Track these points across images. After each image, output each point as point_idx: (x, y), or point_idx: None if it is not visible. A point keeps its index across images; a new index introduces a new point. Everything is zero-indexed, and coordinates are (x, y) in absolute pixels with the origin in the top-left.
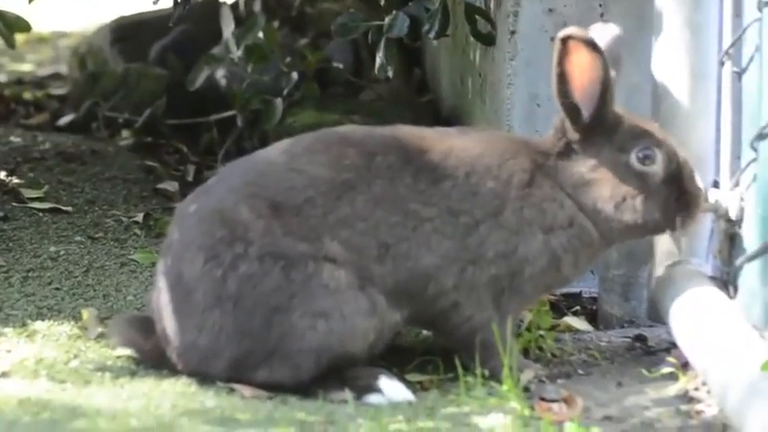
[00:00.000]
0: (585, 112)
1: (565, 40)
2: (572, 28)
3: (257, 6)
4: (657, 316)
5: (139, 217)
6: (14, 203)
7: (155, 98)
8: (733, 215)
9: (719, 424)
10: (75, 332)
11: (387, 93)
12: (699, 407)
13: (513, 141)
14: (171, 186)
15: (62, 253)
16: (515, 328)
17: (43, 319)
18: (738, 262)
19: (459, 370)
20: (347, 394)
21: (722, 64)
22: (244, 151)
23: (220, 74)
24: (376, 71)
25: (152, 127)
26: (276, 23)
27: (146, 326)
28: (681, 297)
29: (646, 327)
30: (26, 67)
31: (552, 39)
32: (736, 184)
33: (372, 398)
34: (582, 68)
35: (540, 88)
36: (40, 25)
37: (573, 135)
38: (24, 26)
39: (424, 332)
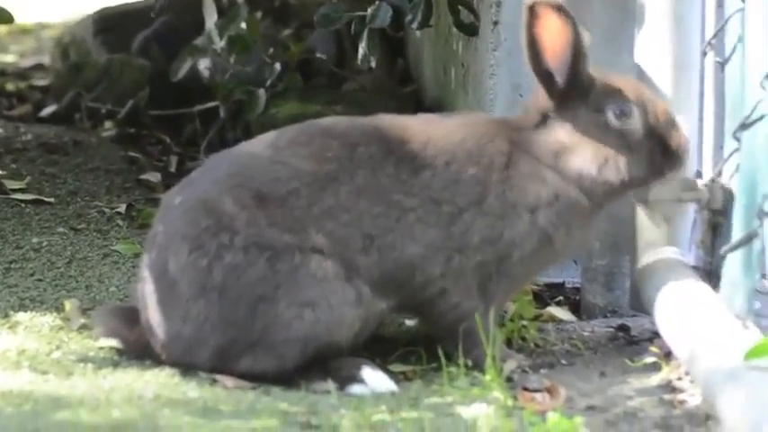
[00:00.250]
0: (559, 78)
1: (532, 7)
2: None
3: None
4: (640, 306)
5: (122, 208)
6: None
7: (137, 89)
8: (716, 205)
9: (702, 413)
10: (58, 323)
11: (370, 83)
12: (682, 396)
13: (491, 123)
14: (153, 177)
15: (44, 244)
16: (499, 319)
17: (25, 311)
18: (721, 252)
19: (443, 360)
20: (330, 385)
21: (705, 54)
22: (226, 142)
23: (203, 65)
24: (359, 62)
25: (135, 118)
26: (259, 14)
27: (130, 316)
28: (664, 287)
29: (629, 317)
30: (9, 58)
31: None
32: (719, 175)
33: (355, 388)
34: (552, 34)
35: (523, 78)
36: (23, 16)
37: (548, 103)
38: (7, 17)
39: (408, 323)
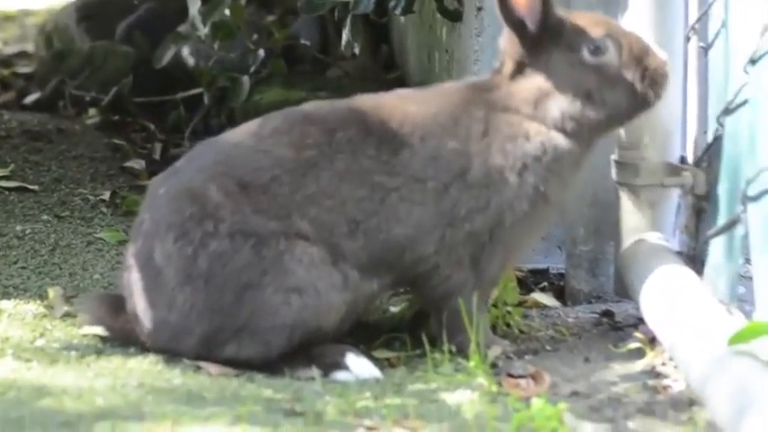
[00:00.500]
0: (531, 24)
1: None
2: None
3: None
4: (625, 292)
5: (106, 195)
6: None
7: (121, 76)
8: (700, 190)
9: (686, 399)
10: (42, 311)
11: (354, 70)
12: (666, 382)
13: (463, 91)
14: (138, 164)
15: (28, 232)
16: (486, 305)
17: (9, 298)
18: (705, 237)
19: (427, 347)
20: (314, 371)
21: (688, 39)
22: (211, 129)
23: (187, 51)
24: (342, 48)
25: (119, 105)
26: (243, 1)
27: (115, 304)
28: (648, 273)
29: (613, 302)
30: None
31: None
32: (703, 159)
33: (339, 375)
34: None
35: None
36: (7, 3)
37: (522, 51)
38: None
39: (392, 309)
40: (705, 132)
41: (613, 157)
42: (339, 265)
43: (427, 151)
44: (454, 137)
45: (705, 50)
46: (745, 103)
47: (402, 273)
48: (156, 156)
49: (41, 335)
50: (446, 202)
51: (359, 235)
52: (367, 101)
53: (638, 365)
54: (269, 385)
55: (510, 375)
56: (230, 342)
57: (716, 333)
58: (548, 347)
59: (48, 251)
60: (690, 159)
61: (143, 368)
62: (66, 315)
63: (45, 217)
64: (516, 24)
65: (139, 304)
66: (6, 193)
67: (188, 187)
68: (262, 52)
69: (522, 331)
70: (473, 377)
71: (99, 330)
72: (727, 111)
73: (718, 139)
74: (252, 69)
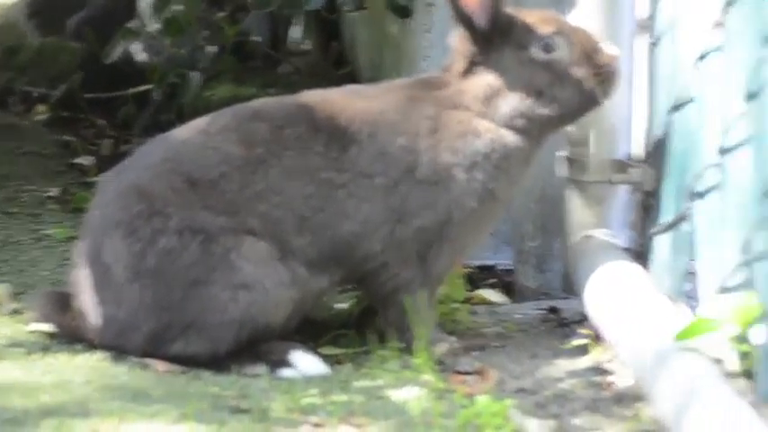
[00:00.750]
0: (481, 21)
1: None
2: None
3: None
4: (572, 288)
5: (55, 192)
6: None
7: (71, 72)
8: (647, 187)
9: (631, 395)
10: None
11: (304, 66)
12: (611, 378)
13: (413, 87)
14: (87, 161)
15: None
16: (433, 302)
17: None
18: (651, 233)
19: (373, 343)
20: (261, 368)
21: (636, 35)
22: (161, 125)
23: (138, 47)
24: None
25: (68, 101)
26: None
27: (63, 301)
28: (594, 269)
29: (561, 299)
30: None
31: None
32: (651, 156)
33: (286, 372)
34: None
35: None
36: None
37: (472, 49)
38: None
39: (339, 306)
40: (653, 129)
41: (561, 153)
42: (287, 261)
43: (376, 147)
44: (403, 133)
45: (653, 46)
46: (692, 99)
47: (350, 269)
48: (106, 152)
49: None
50: (394, 199)
51: (307, 231)
52: (316, 97)
53: (584, 362)
54: (215, 382)
55: (456, 372)
56: (178, 339)
57: (662, 329)
58: (494, 344)
59: None
60: (637, 156)
61: (90, 365)
62: (14, 312)
63: None
64: (466, 21)
65: (88, 301)
66: None
67: (136, 184)
68: (212, 48)
69: (469, 328)
70: (420, 374)
71: (46, 327)
72: (675, 107)
73: (665, 135)
74: (202, 66)
